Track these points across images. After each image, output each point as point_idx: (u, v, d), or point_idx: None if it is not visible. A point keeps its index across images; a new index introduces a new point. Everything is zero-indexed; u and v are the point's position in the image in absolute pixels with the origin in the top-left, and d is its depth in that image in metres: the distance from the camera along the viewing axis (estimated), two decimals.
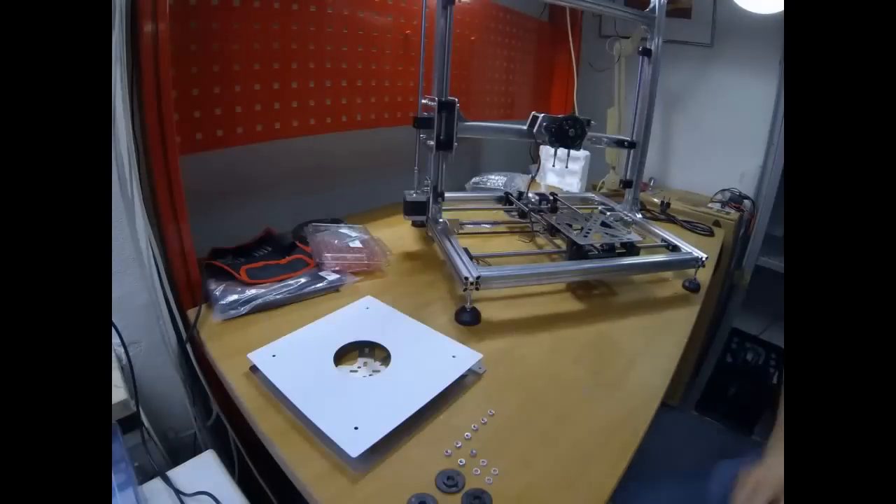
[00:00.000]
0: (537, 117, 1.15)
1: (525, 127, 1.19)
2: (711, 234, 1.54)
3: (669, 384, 0.80)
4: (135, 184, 0.80)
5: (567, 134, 1.14)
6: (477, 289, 0.90)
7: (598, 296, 1.07)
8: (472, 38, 1.62)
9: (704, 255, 1.11)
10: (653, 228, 1.29)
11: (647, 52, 1.32)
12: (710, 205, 1.74)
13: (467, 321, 0.91)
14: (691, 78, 1.91)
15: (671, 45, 1.89)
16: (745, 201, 1.77)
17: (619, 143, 1.39)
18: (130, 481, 0.65)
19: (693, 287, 1.11)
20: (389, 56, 1.35)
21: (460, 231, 1.34)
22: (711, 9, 1.78)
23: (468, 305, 0.92)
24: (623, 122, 1.79)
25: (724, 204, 1.74)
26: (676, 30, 1.86)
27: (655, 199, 1.72)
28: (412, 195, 1.18)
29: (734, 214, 1.66)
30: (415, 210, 1.18)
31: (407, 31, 1.37)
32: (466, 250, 1.00)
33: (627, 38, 1.67)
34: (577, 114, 1.86)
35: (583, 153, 1.72)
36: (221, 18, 0.97)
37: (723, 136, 1.88)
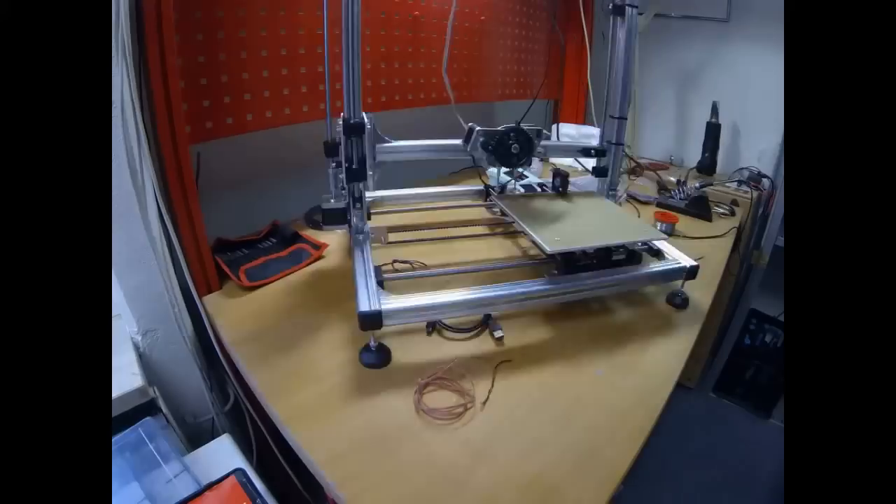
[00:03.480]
0: (472, 129, 0.92)
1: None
2: (732, 213, 1.51)
3: (686, 366, 0.79)
4: (146, 174, 0.81)
5: (509, 150, 0.91)
6: (377, 328, 0.72)
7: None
8: (482, 17, 1.59)
9: (692, 262, 0.92)
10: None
11: (619, 11, 0.99)
12: (728, 184, 1.70)
13: (371, 362, 0.76)
14: (707, 54, 1.86)
15: (685, 21, 1.85)
16: (764, 180, 1.73)
17: (586, 153, 1.09)
18: (135, 473, 0.67)
19: (680, 303, 0.94)
20: (398, 37, 1.34)
21: (401, 239, 1.12)
22: None
23: (373, 343, 0.76)
24: (636, 99, 1.76)
25: (741, 183, 1.70)
26: (691, 4, 1.81)
27: (672, 178, 1.69)
28: (330, 202, 0.92)
29: (752, 193, 1.62)
30: (333, 219, 0.92)
31: (415, 12, 1.35)
32: (378, 269, 0.82)
33: (641, 13, 1.63)
34: (590, 91, 1.82)
35: (594, 130, 1.69)
36: (226, 6, 0.96)
37: (740, 113, 1.83)
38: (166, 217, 0.85)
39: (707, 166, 1.81)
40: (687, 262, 0.92)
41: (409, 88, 1.43)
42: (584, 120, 1.99)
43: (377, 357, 0.76)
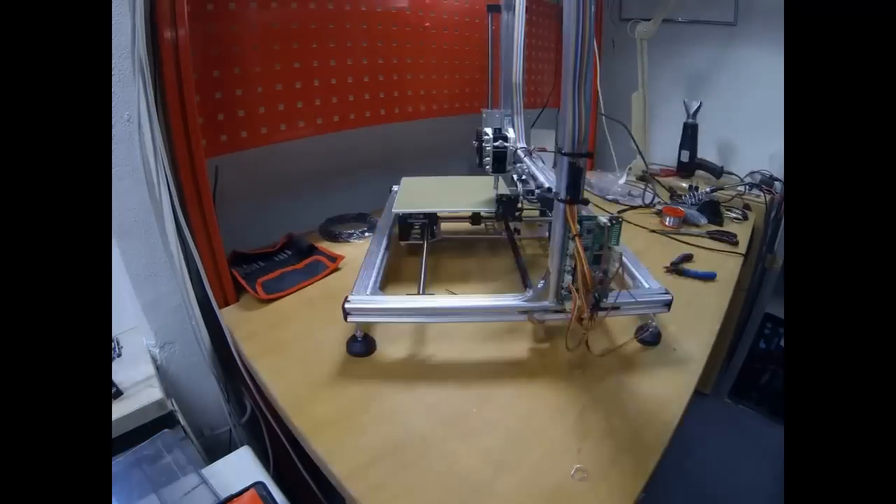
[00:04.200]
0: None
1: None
2: (745, 217, 1.50)
3: (702, 371, 0.79)
4: (163, 188, 0.82)
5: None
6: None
7: None
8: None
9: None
10: None
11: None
12: (739, 188, 1.69)
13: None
14: (715, 58, 1.86)
15: (693, 26, 1.85)
16: (776, 183, 1.72)
17: (543, 200, 0.91)
18: (152, 486, 0.67)
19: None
20: (410, 49, 1.35)
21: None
22: None
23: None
24: (648, 106, 1.75)
25: (752, 186, 1.69)
26: (698, 9, 1.82)
27: (684, 184, 1.68)
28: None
29: (764, 197, 1.61)
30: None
31: (426, 24, 1.36)
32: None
33: (649, 20, 1.64)
34: (601, 100, 1.83)
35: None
36: (240, 21, 0.98)
37: (750, 116, 1.83)
38: (184, 230, 0.85)
39: (687, 167, 1.82)
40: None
41: (409, 100, 1.43)
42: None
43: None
